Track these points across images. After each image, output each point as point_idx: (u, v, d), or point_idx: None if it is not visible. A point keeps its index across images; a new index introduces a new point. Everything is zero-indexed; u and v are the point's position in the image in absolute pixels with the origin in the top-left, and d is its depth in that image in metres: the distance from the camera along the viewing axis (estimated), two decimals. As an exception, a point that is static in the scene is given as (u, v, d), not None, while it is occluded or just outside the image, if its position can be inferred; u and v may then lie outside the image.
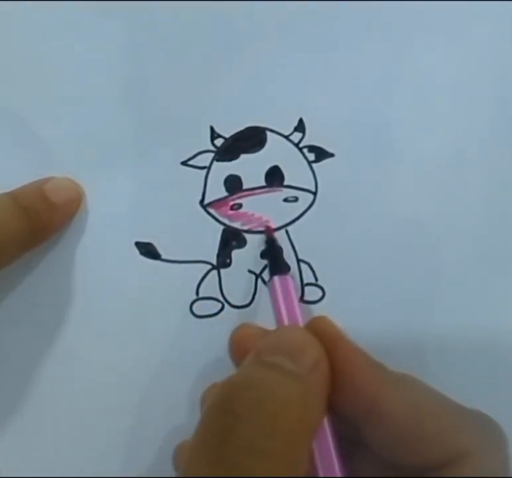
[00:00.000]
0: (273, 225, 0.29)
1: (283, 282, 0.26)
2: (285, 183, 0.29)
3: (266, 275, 0.29)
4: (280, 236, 0.29)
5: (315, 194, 0.29)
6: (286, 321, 0.25)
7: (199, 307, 0.29)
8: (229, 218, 0.29)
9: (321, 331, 0.23)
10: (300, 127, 0.28)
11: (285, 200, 0.29)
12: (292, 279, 0.26)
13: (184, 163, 0.29)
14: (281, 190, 0.29)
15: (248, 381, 0.21)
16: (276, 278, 0.26)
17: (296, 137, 0.29)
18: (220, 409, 0.20)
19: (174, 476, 0.27)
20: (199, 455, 0.19)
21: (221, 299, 0.29)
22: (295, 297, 0.26)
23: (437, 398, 0.23)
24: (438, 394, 0.23)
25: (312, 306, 0.29)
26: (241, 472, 0.18)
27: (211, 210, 0.29)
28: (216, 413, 0.20)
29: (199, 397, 0.27)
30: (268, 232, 0.28)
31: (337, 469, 0.21)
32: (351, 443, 0.23)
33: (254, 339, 0.25)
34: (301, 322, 0.25)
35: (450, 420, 0.22)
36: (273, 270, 0.27)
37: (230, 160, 0.29)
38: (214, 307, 0.29)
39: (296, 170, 0.29)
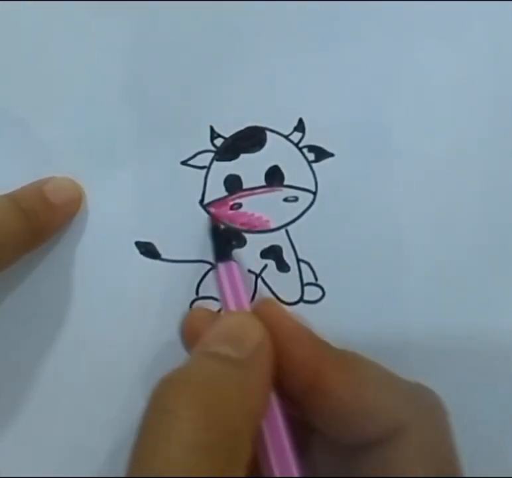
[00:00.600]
0: (273, 225, 0.29)
1: (228, 268, 0.26)
2: (285, 183, 0.29)
3: (266, 274, 0.29)
4: (280, 236, 0.29)
5: (315, 193, 0.29)
6: (231, 308, 0.25)
7: (199, 307, 0.29)
8: (229, 217, 0.29)
9: (265, 313, 0.23)
10: (300, 126, 0.28)
11: (285, 199, 0.29)
12: (237, 265, 0.26)
13: (184, 163, 0.29)
14: (281, 190, 0.29)
15: (183, 375, 0.20)
16: (220, 265, 0.26)
17: (296, 136, 0.29)
18: (154, 407, 0.20)
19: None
20: (139, 456, 0.19)
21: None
22: (241, 283, 0.25)
23: (378, 373, 0.23)
24: (379, 369, 0.23)
25: (312, 306, 0.29)
26: (181, 469, 0.18)
27: (211, 210, 0.29)
28: (150, 411, 0.20)
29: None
30: (213, 218, 0.28)
31: (289, 453, 0.21)
32: (301, 426, 0.23)
33: (204, 323, 0.25)
34: (247, 306, 0.24)
35: (389, 394, 0.22)
36: (217, 257, 0.27)
37: (230, 160, 0.29)
38: (214, 306, 0.29)
39: (295, 170, 0.29)
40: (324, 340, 0.24)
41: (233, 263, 0.26)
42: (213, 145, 0.29)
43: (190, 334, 0.26)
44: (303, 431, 0.23)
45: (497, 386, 0.29)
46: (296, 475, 0.21)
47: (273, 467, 0.21)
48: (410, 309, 0.29)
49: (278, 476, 0.21)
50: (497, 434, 0.29)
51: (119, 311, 0.29)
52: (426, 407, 0.22)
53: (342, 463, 0.23)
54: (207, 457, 0.18)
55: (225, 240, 0.28)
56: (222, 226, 0.28)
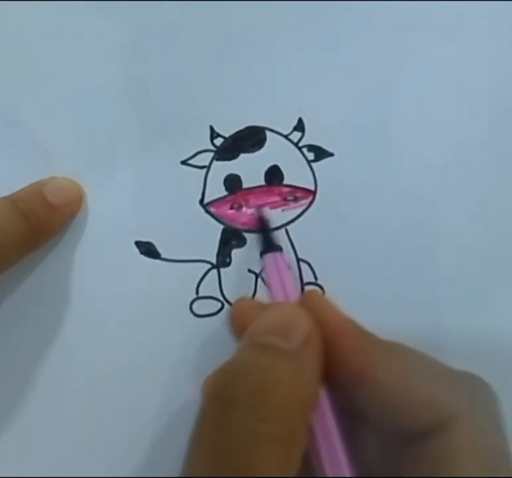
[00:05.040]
0: (273, 224, 0.29)
1: (275, 259, 0.26)
2: (285, 182, 0.29)
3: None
4: (279, 236, 0.29)
5: (314, 193, 0.29)
6: (279, 298, 0.25)
7: (198, 306, 0.29)
8: (229, 217, 0.29)
9: (312, 305, 0.23)
10: (300, 126, 0.29)
11: (285, 199, 0.29)
12: (284, 256, 0.26)
13: (184, 162, 0.29)
14: (281, 190, 0.29)
15: (240, 366, 0.21)
16: (267, 256, 0.26)
17: (296, 136, 0.29)
18: (215, 397, 0.20)
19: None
20: (200, 445, 0.20)
21: (220, 298, 0.29)
22: (287, 273, 0.25)
23: (426, 363, 0.23)
24: (428, 358, 0.23)
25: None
26: (242, 458, 0.18)
27: (211, 210, 0.29)
28: (212, 402, 0.20)
29: (198, 395, 0.27)
30: (259, 211, 0.28)
31: (337, 441, 0.22)
32: (350, 414, 0.23)
33: (253, 312, 0.25)
34: (295, 297, 0.24)
35: (439, 384, 0.22)
36: (264, 248, 0.26)
37: (230, 159, 0.29)
38: (214, 306, 0.29)
39: (295, 170, 0.29)
40: (371, 332, 0.24)
41: (279, 255, 0.26)
42: (213, 144, 0.29)
43: (238, 323, 0.26)
44: (351, 422, 0.23)
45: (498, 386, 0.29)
46: (346, 466, 0.21)
47: (323, 459, 0.21)
48: (409, 308, 0.29)
49: (327, 467, 0.21)
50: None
51: (118, 311, 0.29)
52: (476, 395, 0.23)
53: (391, 453, 0.23)
54: (267, 448, 0.19)
55: (272, 231, 0.28)
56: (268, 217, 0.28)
